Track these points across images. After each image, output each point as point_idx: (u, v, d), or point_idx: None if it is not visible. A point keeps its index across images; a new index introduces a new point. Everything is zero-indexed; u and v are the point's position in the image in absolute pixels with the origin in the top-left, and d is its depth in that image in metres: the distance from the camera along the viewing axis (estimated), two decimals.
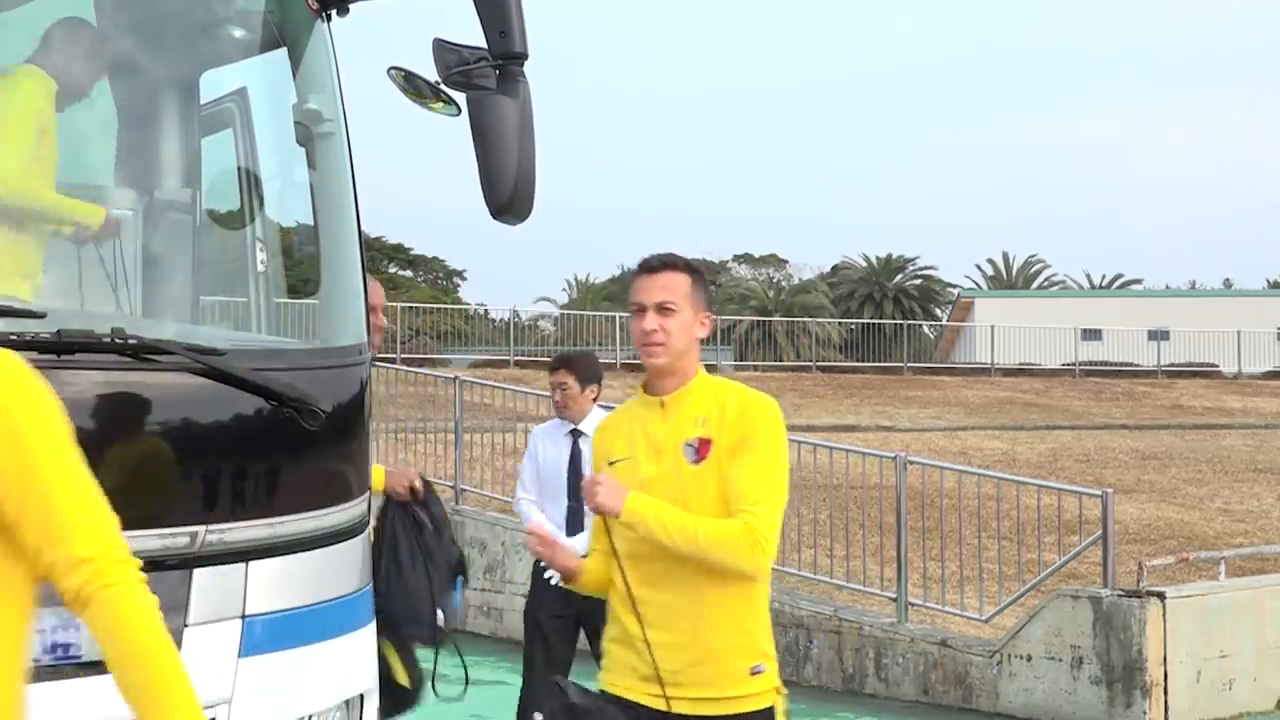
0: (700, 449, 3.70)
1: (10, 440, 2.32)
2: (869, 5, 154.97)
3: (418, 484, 4.81)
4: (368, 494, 3.97)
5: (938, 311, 67.44)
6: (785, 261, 76.27)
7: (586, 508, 7.00)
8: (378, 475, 4.80)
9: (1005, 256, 74.28)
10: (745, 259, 76.55)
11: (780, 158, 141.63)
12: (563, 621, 7.10)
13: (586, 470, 6.90)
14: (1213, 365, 37.64)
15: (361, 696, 3.75)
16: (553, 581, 6.83)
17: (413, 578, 4.68)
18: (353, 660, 3.72)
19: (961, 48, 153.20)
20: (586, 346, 34.39)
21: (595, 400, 7.32)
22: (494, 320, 39.07)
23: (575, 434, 7.20)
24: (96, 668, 3.15)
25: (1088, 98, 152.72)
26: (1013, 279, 71.74)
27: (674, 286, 3.80)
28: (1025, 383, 31.80)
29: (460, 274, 68.08)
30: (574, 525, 7.05)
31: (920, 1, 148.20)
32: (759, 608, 3.79)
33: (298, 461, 3.61)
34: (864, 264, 71.08)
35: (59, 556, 2.32)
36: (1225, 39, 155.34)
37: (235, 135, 4.42)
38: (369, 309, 4.06)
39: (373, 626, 3.90)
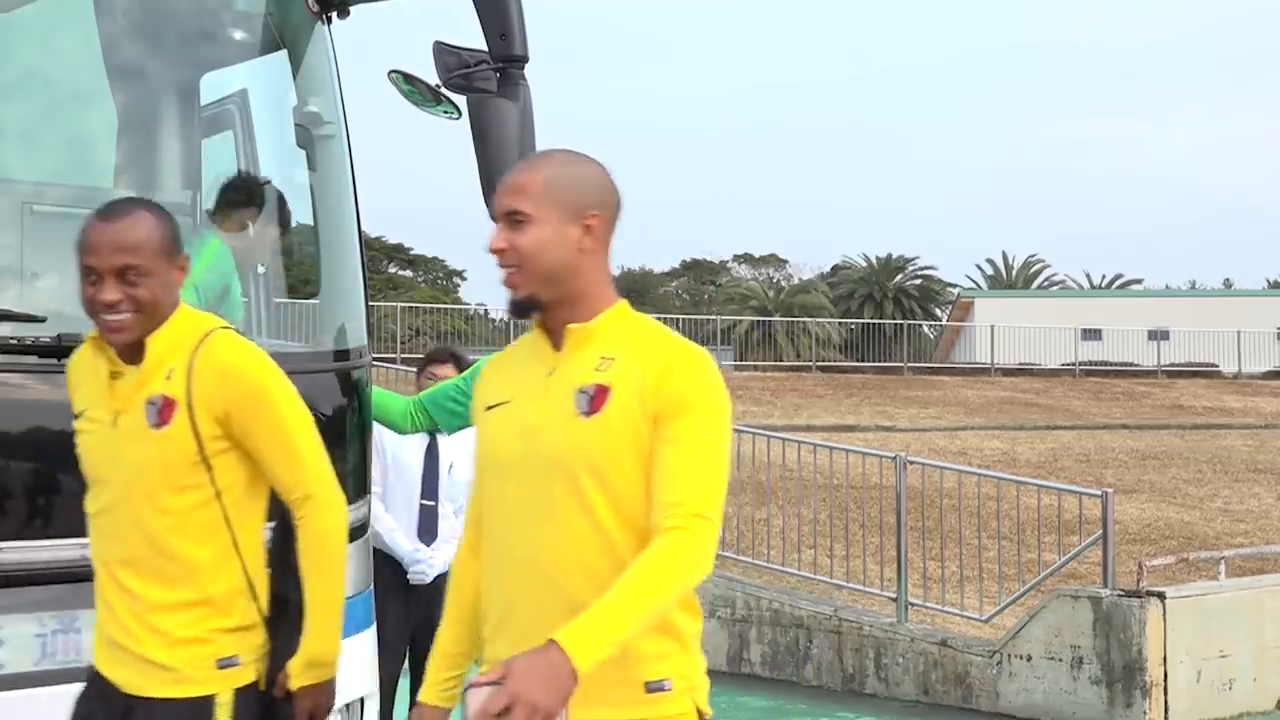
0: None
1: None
2: (869, 5, 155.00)
3: None
4: (368, 496, 3.97)
5: (938, 311, 67.41)
6: (785, 261, 76.31)
7: (441, 514, 6.15)
8: None
9: (1005, 256, 74.30)
10: (745, 259, 76.55)
11: (780, 158, 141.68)
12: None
13: (444, 472, 6.47)
14: (1213, 365, 37.64)
15: (362, 700, 3.75)
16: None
17: None
18: (352, 664, 3.72)
19: (962, 48, 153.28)
20: None
21: None
22: (494, 320, 39.06)
23: (434, 430, 6.38)
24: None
25: (1088, 98, 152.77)
26: (1013, 279, 71.71)
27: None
28: (1025, 383, 31.78)
29: (460, 274, 68.06)
30: (428, 531, 6.49)
31: (921, 2, 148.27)
32: None
33: None
34: (864, 264, 71.07)
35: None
36: (1228, 39, 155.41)
37: (236, 137, 4.42)
38: None
39: (373, 630, 3.89)
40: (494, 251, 2.79)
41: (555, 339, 2.79)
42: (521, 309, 2.79)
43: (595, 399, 2.73)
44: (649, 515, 2.67)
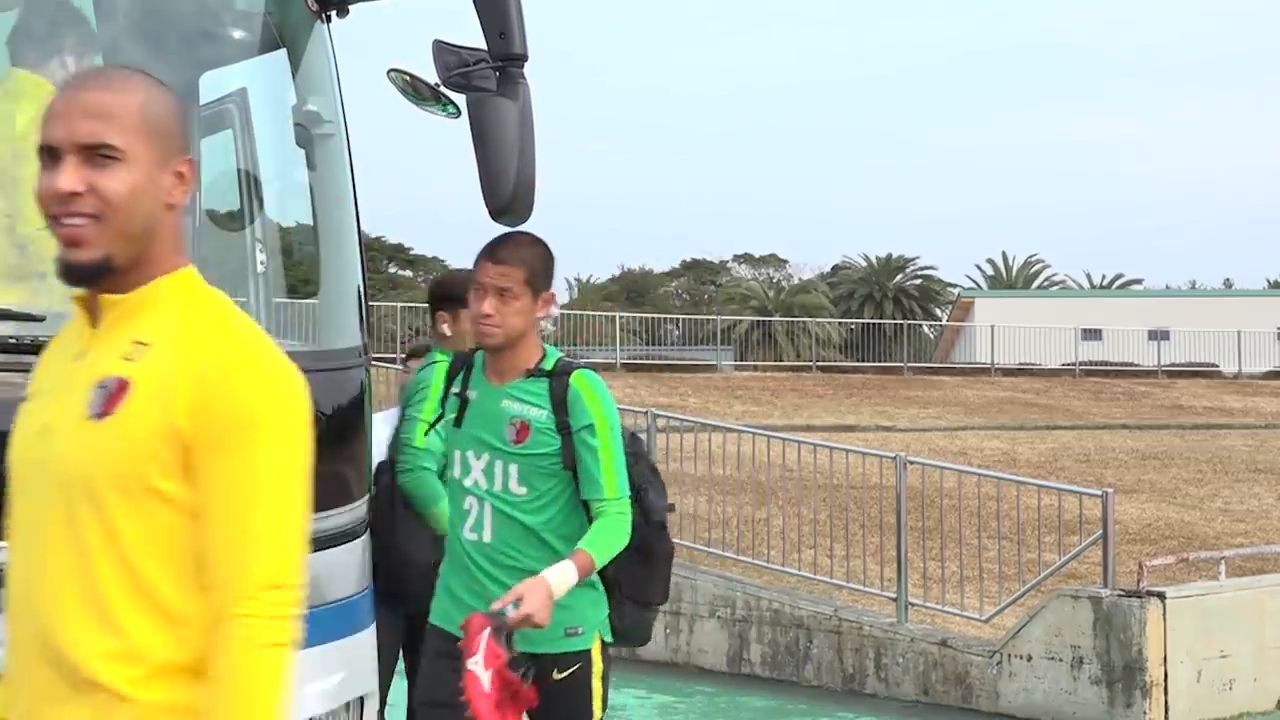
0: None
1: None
2: (869, 5, 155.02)
3: None
4: (367, 496, 3.97)
5: (938, 311, 67.44)
6: (785, 261, 76.30)
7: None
8: None
9: (1005, 256, 74.32)
10: (745, 259, 76.55)
11: (780, 158, 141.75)
12: None
13: None
14: (1213, 365, 37.65)
15: (362, 699, 3.74)
16: None
17: None
18: (353, 663, 3.71)
19: (962, 48, 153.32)
20: (588, 346, 34.34)
21: None
22: None
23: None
24: None
25: (1089, 98, 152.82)
26: (1013, 279, 71.72)
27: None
28: (1025, 383, 31.78)
29: None
30: None
31: (921, 2, 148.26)
32: None
33: None
34: (864, 264, 71.10)
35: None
36: (1228, 40, 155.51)
37: (235, 136, 4.42)
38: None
39: (373, 629, 3.89)
40: (65, 195, 2.05)
41: (94, 313, 2.14)
42: (89, 275, 2.09)
43: (111, 398, 2.04)
44: (200, 580, 2.02)
